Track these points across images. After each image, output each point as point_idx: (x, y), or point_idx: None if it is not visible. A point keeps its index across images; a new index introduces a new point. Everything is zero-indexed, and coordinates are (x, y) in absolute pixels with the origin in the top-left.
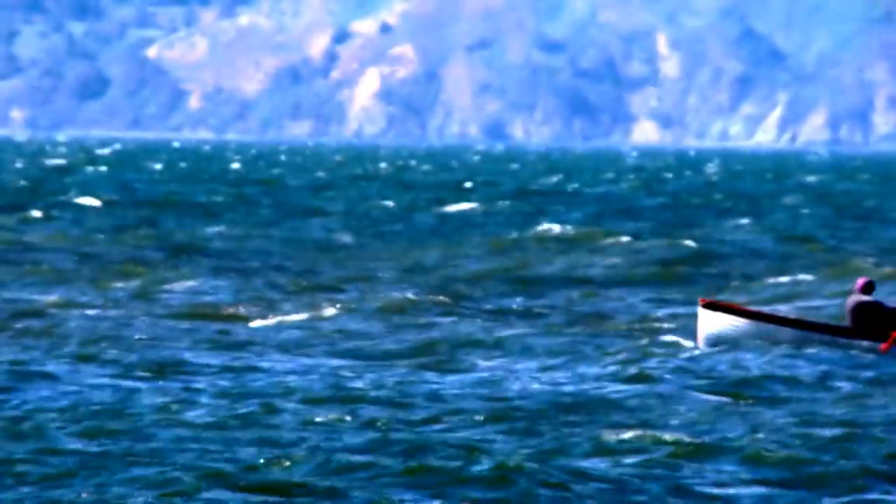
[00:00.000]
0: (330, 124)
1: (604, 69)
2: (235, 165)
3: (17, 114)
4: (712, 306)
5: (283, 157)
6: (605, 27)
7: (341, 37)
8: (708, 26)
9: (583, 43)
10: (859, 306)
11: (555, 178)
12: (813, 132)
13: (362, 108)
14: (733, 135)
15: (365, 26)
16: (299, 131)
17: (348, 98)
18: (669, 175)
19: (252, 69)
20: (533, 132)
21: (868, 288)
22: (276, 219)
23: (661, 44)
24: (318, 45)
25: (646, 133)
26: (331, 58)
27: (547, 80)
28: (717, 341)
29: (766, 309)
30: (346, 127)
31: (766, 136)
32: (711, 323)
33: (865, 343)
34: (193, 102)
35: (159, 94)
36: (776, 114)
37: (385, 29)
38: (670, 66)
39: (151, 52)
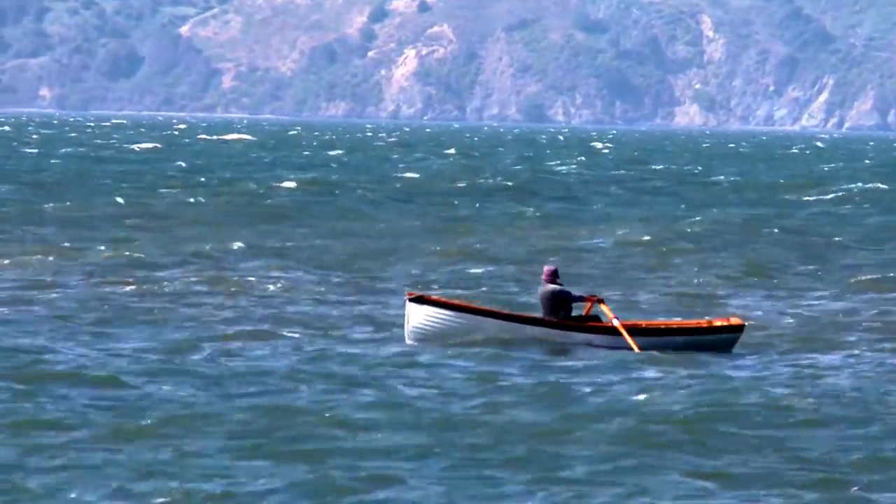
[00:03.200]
0: (367, 105)
1: (647, 50)
2: None
3: (45, 92)
4: (419, 300)
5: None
6: (648, 8)
7: (379, 15)
8: (754, 7)
9: (626, 24)
10: (549, 295)
11: None
12: (860, 116)
13: (400, 89)
14: (778, 118)
15: (403, 5)
16: (335, 112)
17: (385, 78)
18: None
19: (287, 48)
20: (573, 114)
21: (554, 276)
22: None
23: (706, 25)
24: (354, 23)
25: (689, 116)
26: (368, 37)
27: (588, 62)
28: (425, 336)
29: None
30: (382, 108)
31: (812, 121)
32: (419, 316)
33: (574, 334)
34: (227, 82)
35: (192, 73)
36: (823, 98)
37: (423, 8)
38: (715, 47)
39: (184, 29)
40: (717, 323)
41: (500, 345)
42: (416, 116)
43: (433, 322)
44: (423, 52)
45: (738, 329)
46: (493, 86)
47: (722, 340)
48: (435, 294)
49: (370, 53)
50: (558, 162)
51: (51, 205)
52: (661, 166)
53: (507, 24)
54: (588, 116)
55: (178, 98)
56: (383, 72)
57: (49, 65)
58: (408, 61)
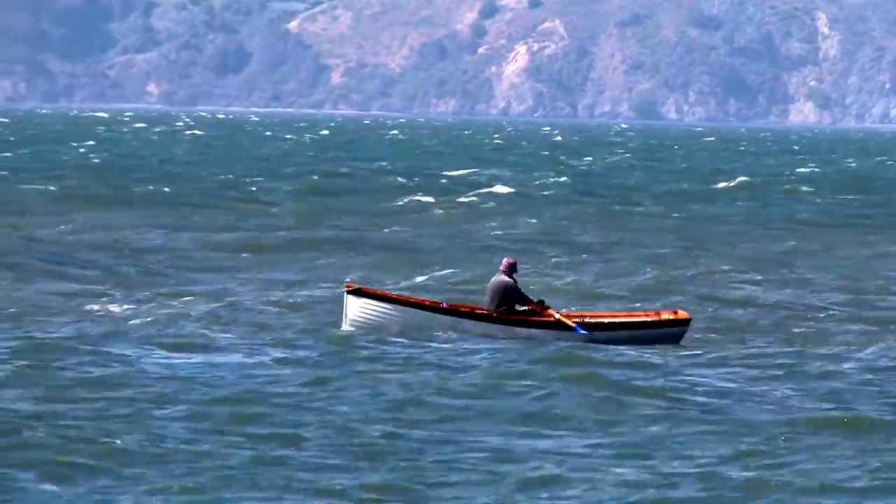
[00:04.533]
0: (477, 102)
1: (761, 47)
2: None
3: (153, 88)
4: (357, 292)
5: None
6: (762, 4)
7: (489, 11)
8: (870, 3)
9: (740, 20)
10: (500, 286)
11: None
12: None
13: (510, 86)
14: (895, 116)
15: (514, 0)
16: (445, 108)
17: (496, 75)
18: None
19: (397, 44)
20: (686, 112)
21: (511, 269)
22: None
23: (821, 22)
24: (465, 19)
25: (804, 114)
26: (478, 33)
27: (702, 58)
28: (361, 326)
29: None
30: (493, 104)
31: None
32: (356, 308)
33: (514, 328)
34: (336, 78)
35: (301, 69)
36: None
37: (534, 4)
38: (830, 44)
39: (293, 25)
40: (665, 316)
41: (441, 338)
42: (527, 113)
43: (369, 313)
44: (535, 49)
45: (685, 323)
46: (604, 83)
47: (669, 334)
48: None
49: (480, 49)
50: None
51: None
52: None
53: (619, 20)
54: (701, 114)
55: (286, 94)
56: (494, 68)
57: (156, 60)
58: (518, 58)
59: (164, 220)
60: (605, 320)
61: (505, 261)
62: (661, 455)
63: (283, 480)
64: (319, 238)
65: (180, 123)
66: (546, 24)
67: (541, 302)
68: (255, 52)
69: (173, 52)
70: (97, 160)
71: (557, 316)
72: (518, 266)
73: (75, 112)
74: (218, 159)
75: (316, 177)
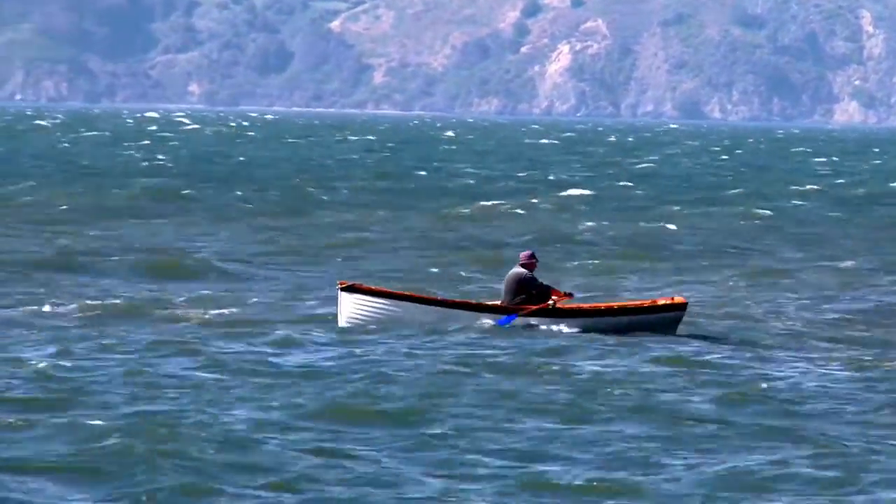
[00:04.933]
0: (519, 101)
1: (805, 46)
2: None
3: (194, 88)
4: (351, 288)
5: None
6: (806, 3)
7: (532, 10)
8: None
9: (783, 19)
10: (515, 277)
11: None
12: None
13: (553, 85)
14: None
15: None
16: (487, 108)
17: (539, 74)
18: None
19: (439, 43)
20: (730, 111)
21: (530, 261)
22: None
23: (866, 20)
24: (507, 18)
25: (848, 113)
26: (521, 32)
27: (745, 57)
28: (357, 323)
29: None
30: (535, 104)
31: None
32: (351, 304)
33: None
34: (378, 77)
35: (343, 69)
36: None
37: (577, 3)
38: (875, 43)
39: (335, 24)
40: (661, 302)
41: (436, 331)
42: (570, 113)
43: (364, 310)
44: (577, 48)
45: (682, 307)
46: (647, 82)
47: (665, 319)
48: None
49: (523, 49)
50: None
51: None
52: None
53: (662, 18)
54: (745, 113)
55: (328, 94)
56: (536, 67)
57: (198, 60)
58: (561, 57)
59: (232, 223)
60: (602, 307)
61: (523, 254)
62: (758, 455)
63: (368, 478)
64: (389, 239)
65: (233, 124)
66: (589, 24)
67: (569, 294)
68: (297, 51)
69: (215, 51)
70: (162, 160)
71: (550, 303)
72: (537, 255)
73: (126, 112)
74: (278, 160)
75: (380, 179)
